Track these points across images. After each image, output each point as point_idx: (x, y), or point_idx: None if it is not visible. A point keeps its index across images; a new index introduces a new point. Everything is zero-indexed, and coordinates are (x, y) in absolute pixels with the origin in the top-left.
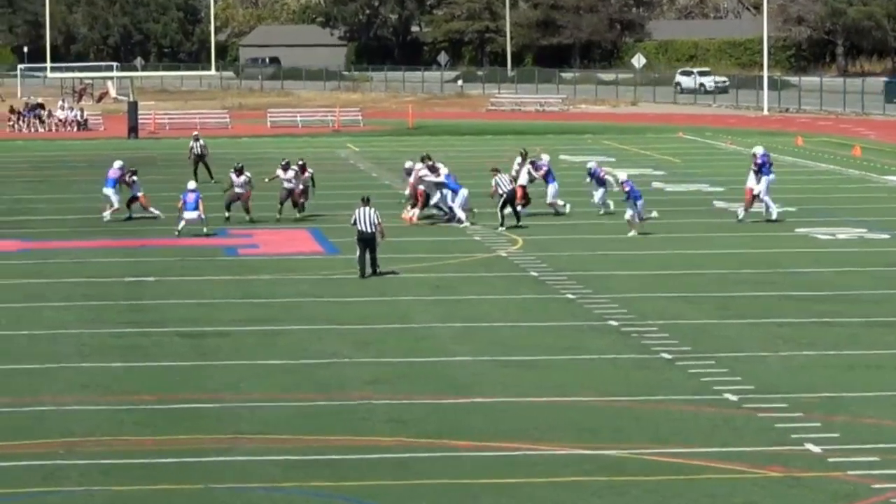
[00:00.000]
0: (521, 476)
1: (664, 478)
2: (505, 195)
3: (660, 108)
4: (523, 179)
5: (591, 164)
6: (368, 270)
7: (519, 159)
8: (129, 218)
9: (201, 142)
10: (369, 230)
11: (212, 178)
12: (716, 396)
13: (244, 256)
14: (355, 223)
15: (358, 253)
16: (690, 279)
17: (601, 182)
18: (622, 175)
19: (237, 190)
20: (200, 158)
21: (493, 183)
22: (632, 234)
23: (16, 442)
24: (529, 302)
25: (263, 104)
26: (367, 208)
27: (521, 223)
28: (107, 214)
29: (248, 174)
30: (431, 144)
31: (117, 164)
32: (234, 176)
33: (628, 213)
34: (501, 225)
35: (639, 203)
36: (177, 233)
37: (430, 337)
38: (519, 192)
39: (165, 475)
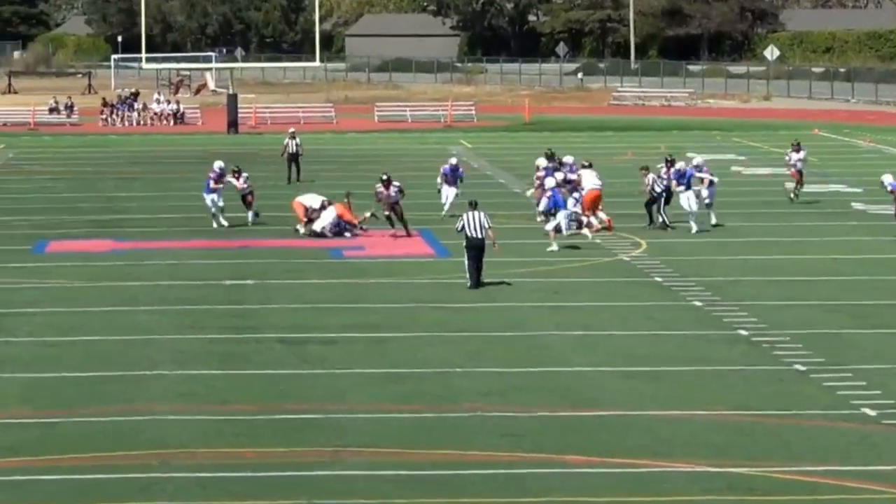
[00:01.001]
0: (644, 494)
1: (796, 498)
2: (659, 194)
3: (794, 104)
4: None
5: (695, 161)
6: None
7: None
8: (257, 216)
9: (297, 140)
10: (479, 236)
11: (299, 180)
12: (853, 411)
13: (350, 259)
14: (463, 229)
15: (467, 261)
16: (826, 286)
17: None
18: (549, 182)
19: (240, 192)
20: (294, 158)
21: (649, 180)
22: (551, 248)
23: (109, 453)
24: (653, 309)
25: (370, 97)
26: (477, 212)
27: (658, 226)
28: (221, 222)
29: (246, 174)
30: (549, 142)
31: (217, 164)
32: (233, 180)
33: (550, 224)
34: (651, 222)
35: (561, 215)
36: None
37: (547, 346)
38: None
39: (265, 490)
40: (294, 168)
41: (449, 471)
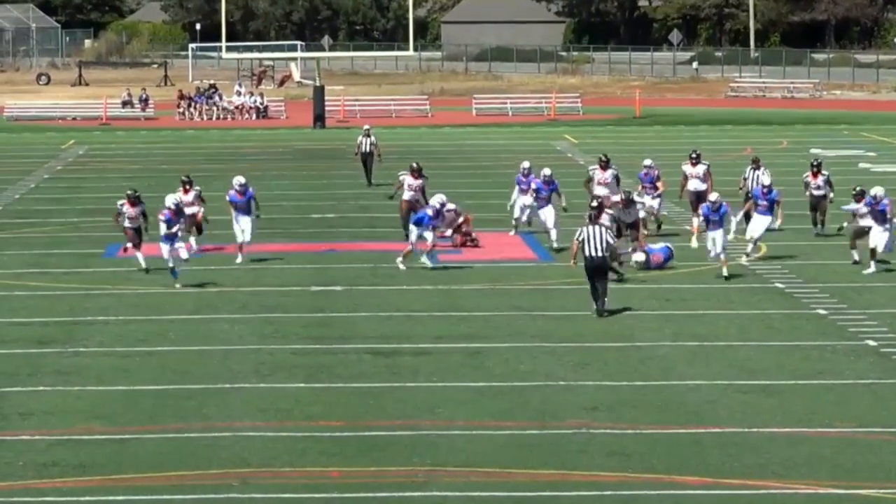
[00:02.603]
0: None
1: None
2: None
3: None
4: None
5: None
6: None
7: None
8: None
9: (372, 138)
10: (599, 255)
11: (370, 182)
12: None
13: (445, 263)
14: (582, 246)
15: (588, 284)
16: None
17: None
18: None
19: (187, 211)
20: (367, 158)
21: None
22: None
23: (185, 472)
24: (773, 318)
25: (468, 89)
26: (598, 227)
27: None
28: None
29: (198, 188)
30: (662, 136)
31: (170, 199)
32: (181, 195)
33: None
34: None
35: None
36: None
37: (658, 357)
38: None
39: None
40: (368, 169)
41: (552, 492)
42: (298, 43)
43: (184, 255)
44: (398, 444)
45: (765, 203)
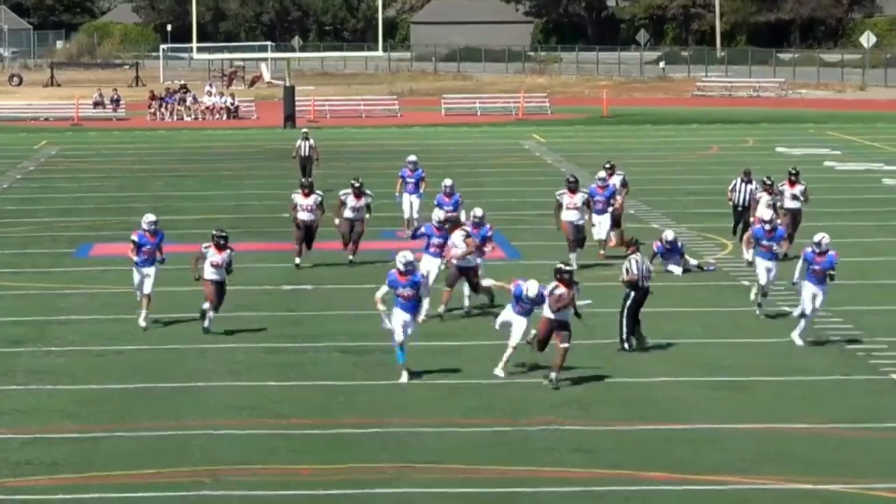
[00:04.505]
0: None
1: None
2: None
3: (893, 94)
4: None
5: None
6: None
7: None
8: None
9: (311, 141)
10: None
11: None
12: None
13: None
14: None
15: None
16: None
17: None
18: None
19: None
20: (306, 161)
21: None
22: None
23: (158, 469)
24: (740, 315)
25: (437, 89)
26: (639, 255)
27: None
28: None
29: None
30: (629, 135)
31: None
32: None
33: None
34: None
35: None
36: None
37: (625, 355)
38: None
39: None
40: (307, 174)
41: (520, 488)
42: (269, 44)
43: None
44: (368, 442)
45: (767, 245)
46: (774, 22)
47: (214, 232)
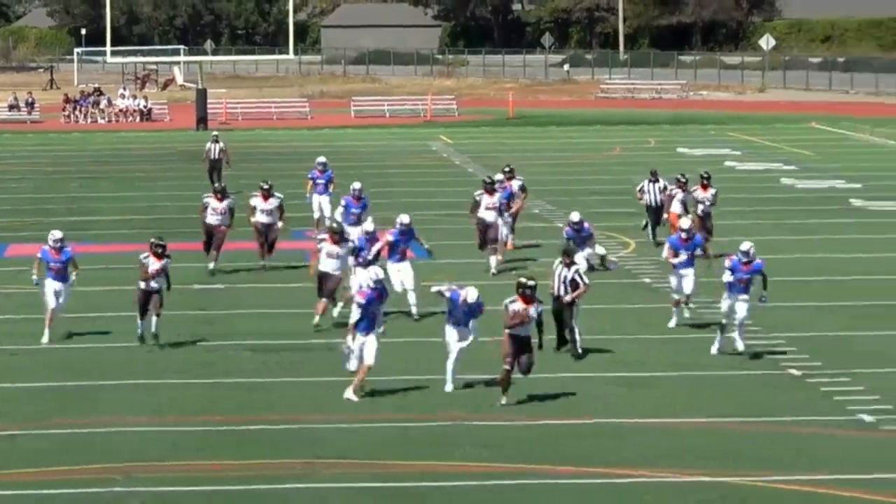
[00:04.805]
0: None
1: None
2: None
3: (791, 95)
4: (676, 207)
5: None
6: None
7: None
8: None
9: (221, 144)
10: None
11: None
12: (850, 417)
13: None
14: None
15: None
16: (823, 286)
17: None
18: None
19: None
20: (216, 164)
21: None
22: None
23: (70, 467)
24: (643, 312)
25: (347, 91)
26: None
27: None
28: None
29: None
30: (534, 136)
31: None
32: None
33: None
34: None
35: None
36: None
37: (534, 351)
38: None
39: None
40: (216, 177)
41: (427, 483)
42: (181, 47)
43: None
44: (279, 438)
45: (684, 256)
46: (676, 25)
47: (153, 240)
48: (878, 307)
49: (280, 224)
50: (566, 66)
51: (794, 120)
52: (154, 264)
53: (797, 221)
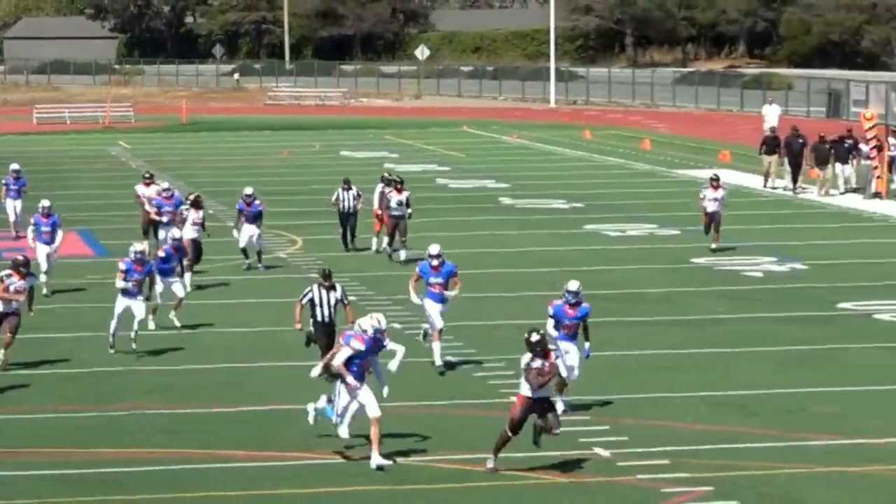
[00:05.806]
0: (300, 486)
1: (447, 486)
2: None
3: (444, 102)
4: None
5: None
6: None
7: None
8: None
9: None
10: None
11: None
12: (502, 400)
13: None
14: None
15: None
16: (474, 279)
17: None
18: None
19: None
20: None
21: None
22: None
23: None
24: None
25: (29, 100)
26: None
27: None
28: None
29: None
30: (207, 141)
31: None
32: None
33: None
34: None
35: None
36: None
37: (208, 344)
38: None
39: None
40: None
41: (109, 469)
42: None
43: None
44: None
45: (439, 283)
46: (338, 37)
47: (18, 258)
48: (525, 298)
49: None
50: (236, 76)
51: (448, 124)
52: (17, 283)
53: (451, 219)
